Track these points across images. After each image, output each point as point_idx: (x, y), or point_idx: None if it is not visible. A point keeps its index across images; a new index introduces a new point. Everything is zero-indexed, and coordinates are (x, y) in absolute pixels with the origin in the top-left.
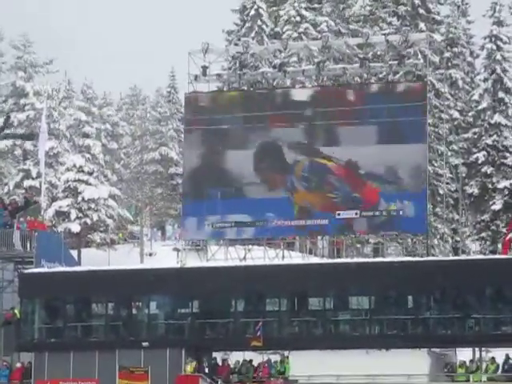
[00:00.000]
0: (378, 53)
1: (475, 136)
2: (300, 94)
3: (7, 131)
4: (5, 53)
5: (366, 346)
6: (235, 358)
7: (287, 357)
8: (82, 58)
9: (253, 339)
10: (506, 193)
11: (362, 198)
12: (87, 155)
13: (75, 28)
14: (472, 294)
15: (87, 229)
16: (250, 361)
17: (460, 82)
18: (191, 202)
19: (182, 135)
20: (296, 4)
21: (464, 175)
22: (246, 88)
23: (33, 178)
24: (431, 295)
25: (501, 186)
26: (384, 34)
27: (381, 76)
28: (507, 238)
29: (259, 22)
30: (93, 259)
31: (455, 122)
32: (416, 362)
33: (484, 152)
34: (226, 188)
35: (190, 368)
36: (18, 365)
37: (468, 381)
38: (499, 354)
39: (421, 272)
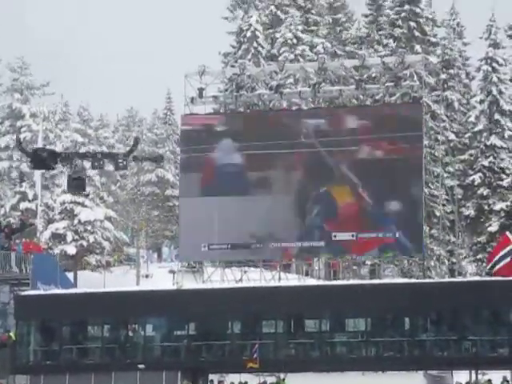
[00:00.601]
0: (374, 75)
1: (471, 158)
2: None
3: (135, 154)
4: (1, 75)
5: (362, 368)
6: (231, 380)
7: (283, 379)
8: (78, 80)
9: (249, 361)
10: (503, 215)
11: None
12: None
13: (72, 50)
14: (468, 316)
15: (83, 251)
16: (246, 383)
17: (456, 104)
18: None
19: (179, 157)
20: (292, 26)
21: (460, 197)
22: (242, 109)
23: (29, 201)
24: (428, 317)
25: (497, 207)
26: (380, 56)
27: (377, 98)
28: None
29: (255, 44)
30: (89, 281)
31: (451, 144)
32: (412, 383)
33: (480, 174)
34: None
35: None
36: None
37: None
38: (496, 377)
39: (417, 294)
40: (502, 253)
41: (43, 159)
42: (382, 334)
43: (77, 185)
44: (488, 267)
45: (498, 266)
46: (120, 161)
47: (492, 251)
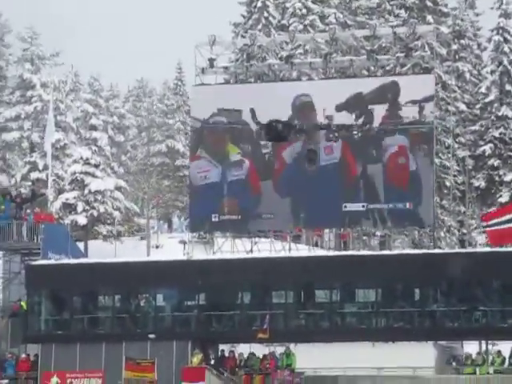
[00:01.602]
0: (385, 45)
1: (482, 128)
2: None
3: None
4: (12, 45)
5: (372, 339)
6: (240, 350)
7: (291, 351)
8: (88, 50)
9: (259, 332)
10: None
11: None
12: (94, 147)
13: (82, 20)
14: (479, 287)
15: (94, 221)
16: (253, 353)
17: (467, 75)
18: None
19: (189, 128)
20: None
21: (471, 168)
22: (252, 80)
23: (40, 171)
24: (438, 288)
25: (507, 178)
26: (391, 27)
27: (388, 68)
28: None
29: (266, 14)
30: (99, 251)
31: (462, 115)
32: (422, 354)
33: (491, 144)
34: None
35: (196, 360)
36: (23, 356)
37: (474, 373)
38: (506, 347)
39: (427, 264)
40: (505, 217)
41: (278, 131)
42: (392, 305)
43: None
44: (484, 224)
45: (496, 227)
46: None
47: (495, 211)
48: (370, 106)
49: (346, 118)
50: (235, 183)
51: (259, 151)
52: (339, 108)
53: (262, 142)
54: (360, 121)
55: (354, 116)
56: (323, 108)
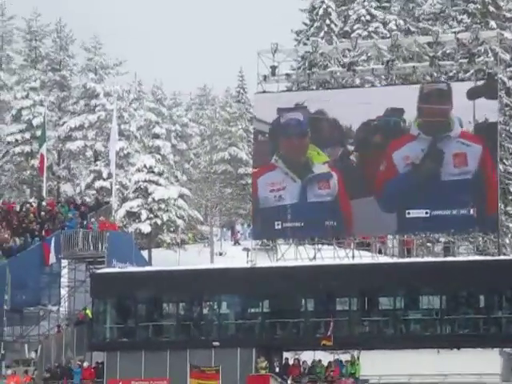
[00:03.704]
0: (448, 51)
1: None
2: None
3: None
4: (76, 55)
5: (437, 346)
6: (304, 357)
7: (357, 357)
8: (151, 58)
9: (323, 339)
10: None
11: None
12: (157, 156)
13: (145, 29)
14: None
15: (157, 229)
16: (319, 360)
17: None
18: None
19: (252, 135)
20: (366, 3)
21: None
22: (314, 87)
23: (104, 179)
24: (503, 294)
25: None
26: (454, 32)
27: (451, 74)
28: None
29: (328, 22)
30: (163, 259)
31: None
32: (488, 361)
33: None
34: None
35: (262, 366)
36: (86, 364)
37: None
38: None
39: (492, 271)
40: None
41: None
42: (456, 312)
43: None
44: None
45: None
46: None
47: None
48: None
49: None
50: (318, 205)
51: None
52: None
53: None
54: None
55: None
56: None
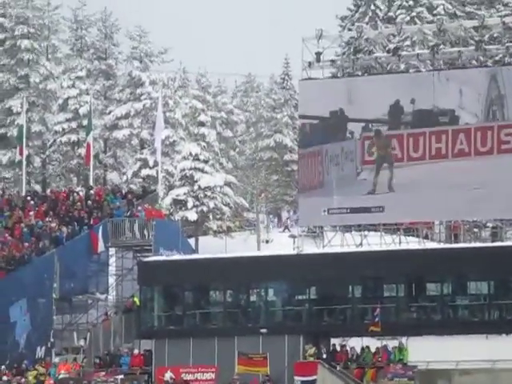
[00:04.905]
0: (495, 35)
1: None
2: None
3: None
4: (120, 43)
5: (485, 331)
6: (352, 344)
7: (404, 346)
8: (196, 46)
9: (371, 325)
10: None
11: None
12: (203, 143)
13: (189, 17)
14: None
15: (204, 217)
16: (367, 347)
17: None
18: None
19: (297, 122)
20: None
21: None
22: (360, 73)
23: (150, 167)
24: None
25: None
26: (500, 16)
27: (497, 58)
28: None
29: (373, 7)
30: (210, 247)
31: None
32: None
33: None
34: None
35: (310, 353)
36: (135, 352)
37: None
38: None
39: None
40: None
41: None
42: (504, 297)
43: None
44: None
45: None
46: None
47: None
48: None
49: None
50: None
51: None
52: None
53: None
54: None
55: None
56: None
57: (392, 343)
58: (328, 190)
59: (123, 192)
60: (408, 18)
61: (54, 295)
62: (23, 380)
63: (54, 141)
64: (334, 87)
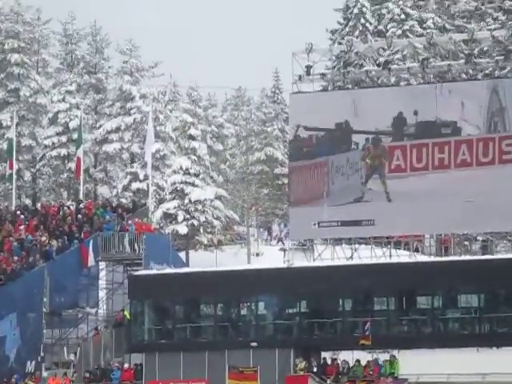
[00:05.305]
0: (485, 48)
1: None
2: None
3: None
4: (111, 58)
5: (476, 345)
6: (343, 357)
7: (395, 359)
8: (186, 60)
9: (362, 338)
10: None
11: None
12: (193, 157)
13: (178, 31)
14: None
15: (194, 230)
16: (358, 360)
17: None
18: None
19: (287, 135)
20: (401, 2)
21: None
22: (350, 87)
23: (140, 181)
24: None
25: None
26: (490, 30)
27: (487, 72)
28: None
29: (363, 21)
30: (200, 260)
31: None
32: None
33: None
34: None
35: (300, 366)
36: (125, 366)
37: None
38: None
39: None
40: None
41: None
42: (495, 310)
43: None
44: None
45: None
46: None
47: None
48: None
49: None
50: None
51: None
52: None
53: None
54: None
55: None
56: None
57: (383, 356)
58: (332, 201)
59: (113, 206)
60: (400, 31)
61: (44, 309)
62: None
63: (44, 155)
64: (338, 99)
